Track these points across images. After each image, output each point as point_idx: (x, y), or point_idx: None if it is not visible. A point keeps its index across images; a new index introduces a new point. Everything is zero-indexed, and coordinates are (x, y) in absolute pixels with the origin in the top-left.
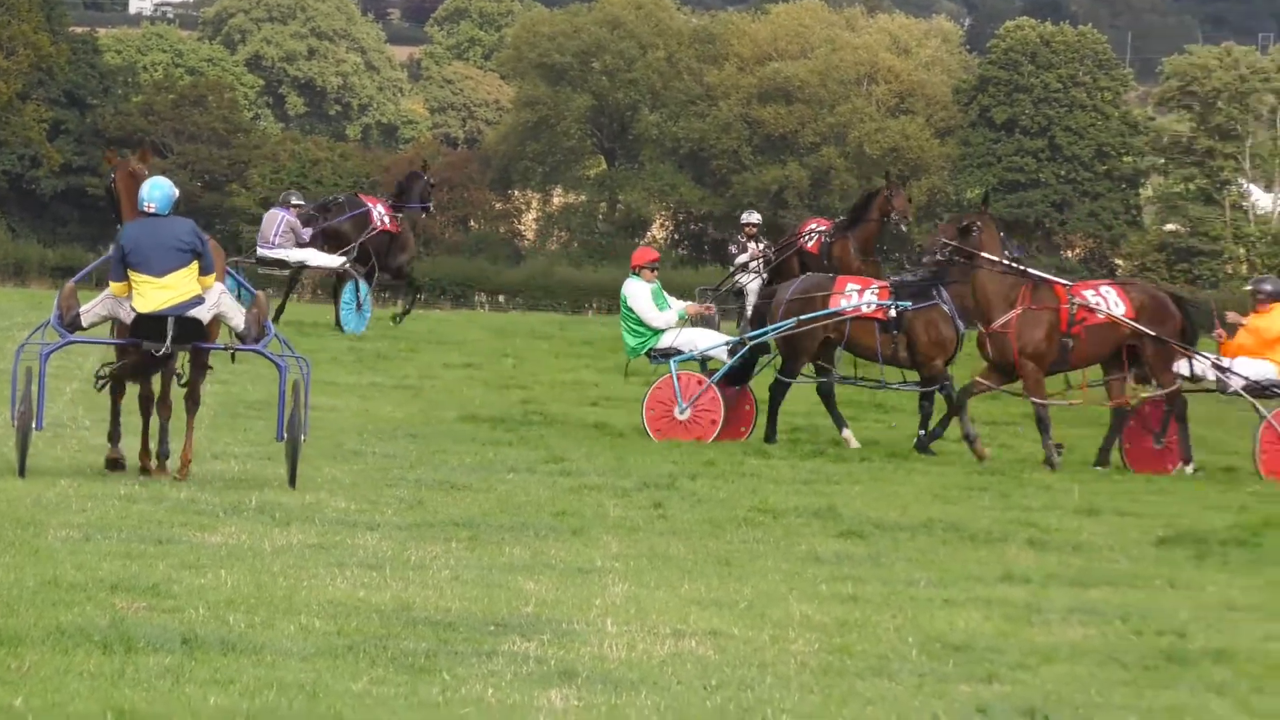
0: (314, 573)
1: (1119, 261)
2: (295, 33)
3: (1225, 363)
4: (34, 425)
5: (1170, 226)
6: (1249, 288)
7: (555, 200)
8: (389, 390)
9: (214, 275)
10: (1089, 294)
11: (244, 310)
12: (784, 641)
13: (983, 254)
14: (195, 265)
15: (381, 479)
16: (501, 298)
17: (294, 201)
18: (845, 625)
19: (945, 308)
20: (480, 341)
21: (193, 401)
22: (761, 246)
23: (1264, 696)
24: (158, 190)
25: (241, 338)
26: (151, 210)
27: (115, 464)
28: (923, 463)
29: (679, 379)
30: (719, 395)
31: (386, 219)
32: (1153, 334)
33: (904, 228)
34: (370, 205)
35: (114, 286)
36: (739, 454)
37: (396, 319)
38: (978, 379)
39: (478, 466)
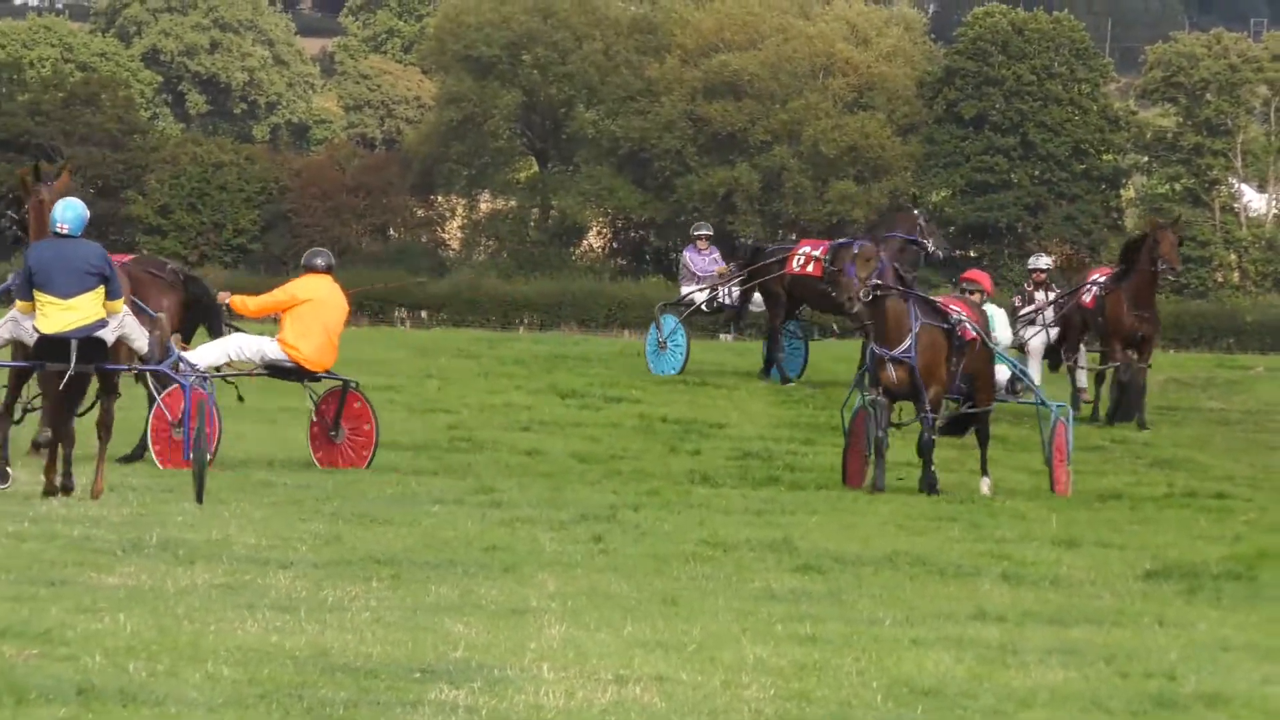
0: (222, 615)
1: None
2: (196, 24)
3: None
4: None
5: None
6: None
7: (482, 206)
8: (301, 415)
9: (121, 300)
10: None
11: (146, 333)
12: (736, 687)
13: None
14: (102, 290)
15: (294, 512)
16: (424, 313)
17: (703, 233)
18: (803, 669)
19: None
20: (401, 361)
21: (104, 429)
22: (1050, 296)
23: None
24: (71, 211)
25: (144, 359)
26: (64, 231)
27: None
28: (886, 491)
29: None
30: None
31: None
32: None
33: (1170, 277)
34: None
35: (19, 305)
36: (685, 483)
37: None
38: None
39: (400, 498)
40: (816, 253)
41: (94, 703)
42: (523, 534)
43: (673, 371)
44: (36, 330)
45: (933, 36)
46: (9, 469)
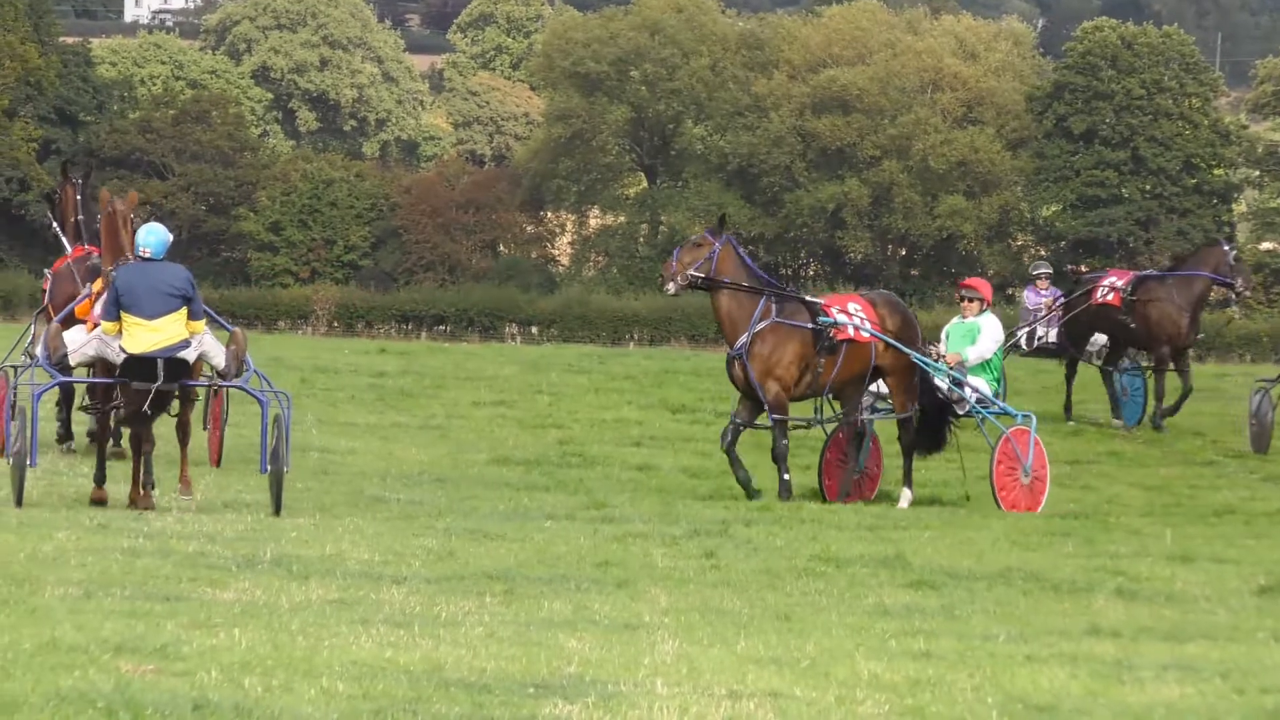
0: (336, 631)
1: None
2: (306, 41)
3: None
4: (29, 463)
5: (1267, 245)
6: None
7: (592, 222)
8: (414, 431)
9: (203, 320)
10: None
11: (225, 349)
12: (851, 703)
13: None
14: (185, 310)
15: (407, 528)
16: (535, 329)
17: (1041, 272)
18: (917, 684)
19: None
20: (512, 377)
21: (183, 432)
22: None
23: None
24: (153, 236)
25: (223, 375)
26: (146, 255)
27: (100, 503)
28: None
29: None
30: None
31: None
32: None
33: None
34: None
35: (105, 326)
36: (797, 498)
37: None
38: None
39: (512, 514)
40: (1120, 283)
41: (209, 718)
42: (635, 549)
43: (1133, 423)
44: (123, 350)
45: (1041, 51)
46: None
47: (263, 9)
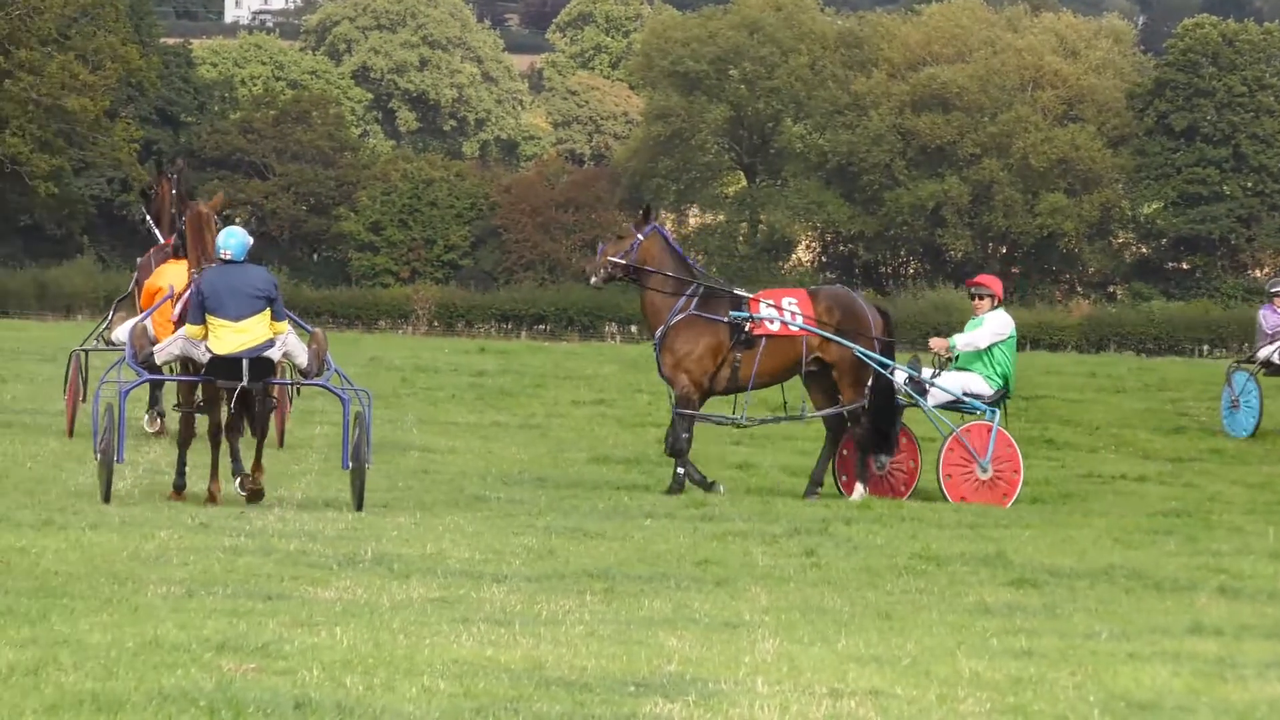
0: (437, 629)
1: None
2: (405, 42)
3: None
4: (116, 459)
5: None
6: None
7: (691, 220)
8: (513, 430)
9: (286, 321)
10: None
11: (307, 348)
12: (952, 701)
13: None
14: (268, 311)
15: (507, 526)
16: (634, 328)
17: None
18: (1019, 683)
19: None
20: (612, 376)
21: (261, 427)
22: None
23: None
24: (234, 239)
25: (305, 373)
26: (228, 258)
27: (181, 491)
28: (1100, 504)
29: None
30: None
31: None
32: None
33: None
34: None
35: (190, 329)
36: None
37: None
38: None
39: (612, 512)
40: None
41: (311, 716)
42: (735, 548)
43: (1245, 433)
44: (209, 351)
45: (1142, 48)
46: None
47: (363, 9)
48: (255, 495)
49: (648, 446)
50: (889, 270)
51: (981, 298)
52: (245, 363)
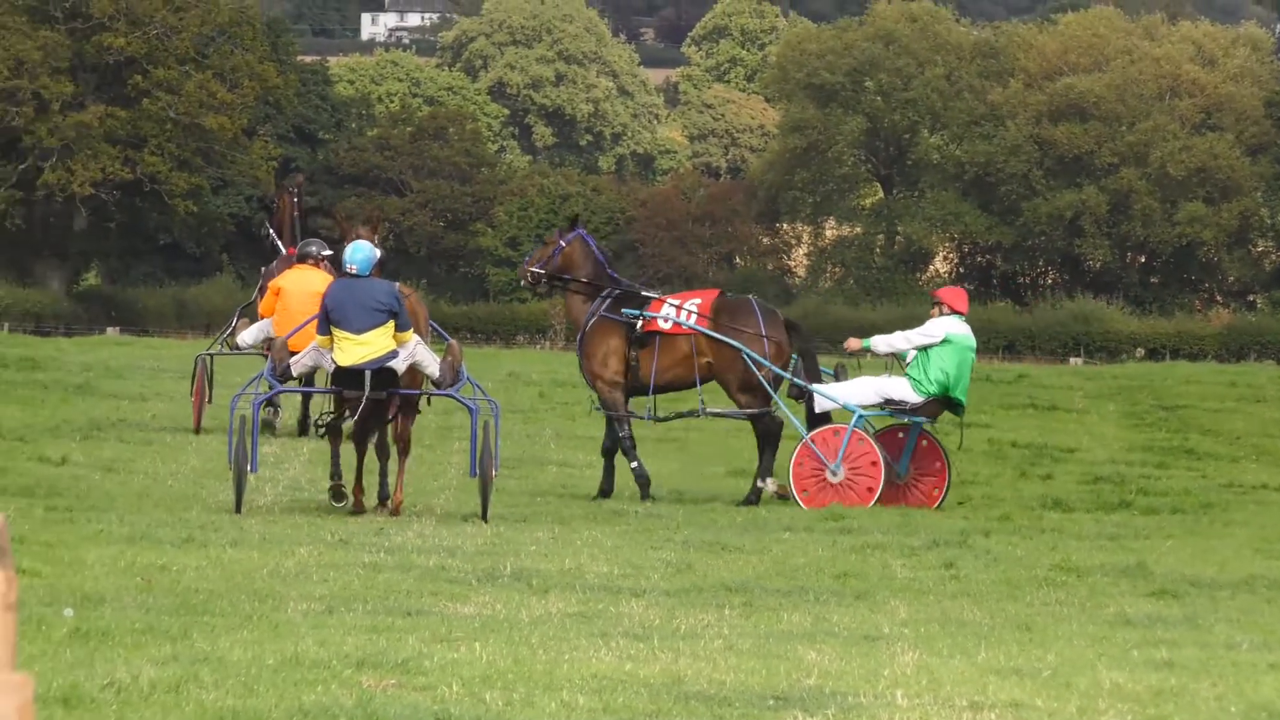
0: (575, 644)
1: None
2: (541, 57)
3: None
4: (249, 468)
5: None
6: None
7: (828, 233)
8: (651, 444)
9: (410, 331)
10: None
11: (439, 359)
12: (1093, 713)
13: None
14: (391, 324)
15: (645, 541)
16: None
17: None
18: (1160, 694)
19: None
20: None
21: (404, 445)
22: None
23: None
24: (360, 254)
25: (437, 384)
26: (353, 272)
27: (338, 492)
28: (1241, 514)
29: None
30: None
31: None
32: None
33: None
34: None
35: (318, 339)
36: (1036, 508)
37: None
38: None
39: (750, 525)
40: None
41: None
42: (874, 560)
43: None
44: (335, 362)
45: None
46: (344, 489)
47: (499, 25)
48: (395, 513)
49: (785, 459)
50: (1027, 280)
51: (935, 305)
52: (368, 374)
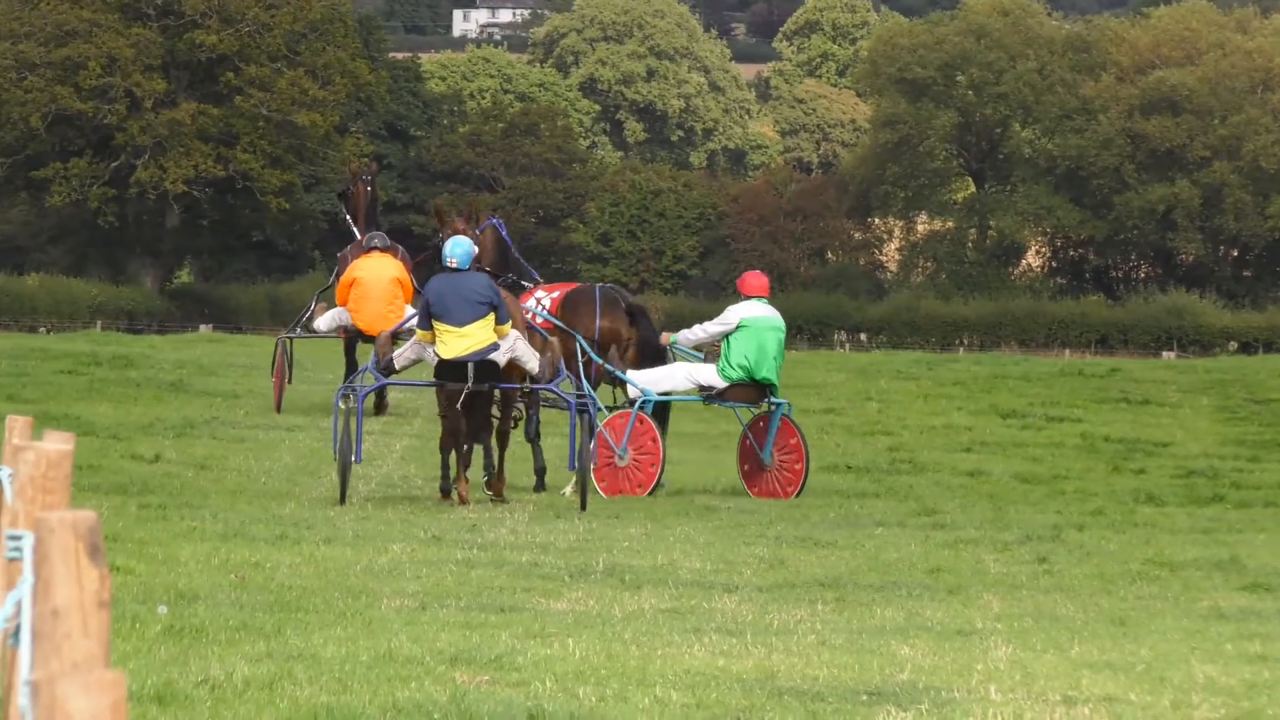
0: (668, 640)
1: None
2: (633, 53)
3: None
4: (353, 458)
5: None
6: None
7: (919, 228)
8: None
9: (510, 324)
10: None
11: (538, 355)
12: (1187, 707)
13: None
14: (492, 316)
15: (738, 536)
16: (863, 335)
17: None
18: (1254, 688)
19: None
20: (841, 384)
21: (503, 437)
22: None
23: None
24: (459, 248)
25: (536, 379)
26: (454, 266)
27: (446, 493)
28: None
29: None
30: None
31: None
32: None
33: None
34: None
35: (420, 334)
36: (1129, 502)
37: None
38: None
39: (842, 521)
40: None
41: None
42: (966, 555)
43: None
44: (437, 355)
45: None
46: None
47: (590, 21)
48: (498, 499)
49: (877, 455)
50: (1119, 274)
51: (737, 291)
52: (470, 366)
